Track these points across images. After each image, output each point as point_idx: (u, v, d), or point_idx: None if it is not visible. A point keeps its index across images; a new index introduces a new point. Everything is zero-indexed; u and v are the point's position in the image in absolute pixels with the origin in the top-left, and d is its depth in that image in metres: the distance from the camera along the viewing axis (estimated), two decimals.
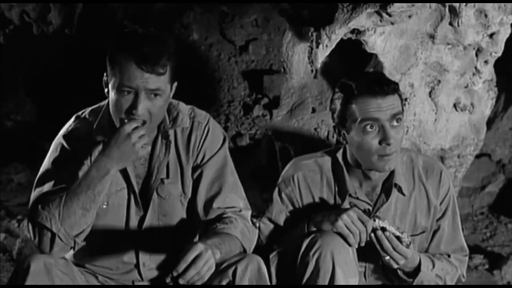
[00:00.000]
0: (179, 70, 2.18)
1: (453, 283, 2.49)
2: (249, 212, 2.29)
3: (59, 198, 2.08)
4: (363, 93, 2.28)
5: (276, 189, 2.46)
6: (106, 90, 2.19)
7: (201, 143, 2.27)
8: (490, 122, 3.99)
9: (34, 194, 2.18)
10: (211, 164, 2.27)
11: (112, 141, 2.06)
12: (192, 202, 2.28)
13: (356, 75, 2.44)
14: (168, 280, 1.98)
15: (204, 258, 1.96)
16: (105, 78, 2.18)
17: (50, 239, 2.08)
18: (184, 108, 2.29)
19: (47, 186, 2.16)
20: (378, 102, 2.26)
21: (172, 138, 2.26)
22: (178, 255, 1.96)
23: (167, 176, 2.26)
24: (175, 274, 1.94)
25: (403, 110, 2.34)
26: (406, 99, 3.05)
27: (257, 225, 2.44)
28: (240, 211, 2.25)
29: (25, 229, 3.73)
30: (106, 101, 2.25)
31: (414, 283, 2.37)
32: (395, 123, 2.28)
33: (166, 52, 2.10)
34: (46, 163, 2.23)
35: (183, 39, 5.57)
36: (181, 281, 1.95)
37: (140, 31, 2.13)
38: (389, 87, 2.29)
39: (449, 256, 2.48)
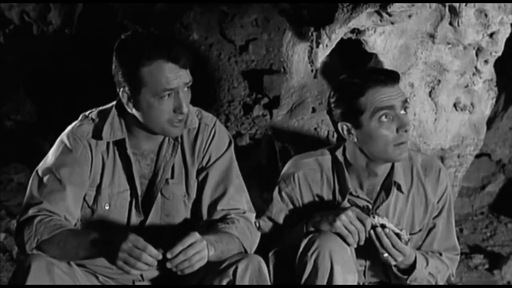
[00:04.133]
0: None
1: (444, 282, 2.50)
2: (253, 215, 2.29)
3: (48, 229, 2.08)
4: (374, 84, 2.28)
5: (276, 188, 2.46)
6: (127, 102, 2.15)
7: (207, 145, 2.28)
8: (490, 122, 3.98)
9: (30, 195, 2.17)
10: (216, 166, 2.27)
11: (120, 247, 1.96)
12: (196, 204, 2.28)
13: (353, 72, 2.43)
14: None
15: (196, 248, 1.98)
16: (123, 93, 2.14)
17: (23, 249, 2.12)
18: (192, 109, 2.29)
19: (45, 193, 2.15)
20: (390, 90, 2.28)
21: (178, 138, 2.26)
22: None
23: (172, 177, 2.26)
24: (169, 256, 1.95)
25: None
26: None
27: (257, 224, 2.44)
28: (244, 213, 2.25)
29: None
30: (114, 103, 2.25)
31: (409, 281, 2.38)
32: (403, 112, 2.30)
33: (183, 45, 2.15)
34: (47, 160, 2.23)
35: (183, 39, 5.57)
36: (168, 265, 1.97)
37: (145, 34, 2.13)
38: (395, 75, 2.32)
39: (440, 254, 2.49)
